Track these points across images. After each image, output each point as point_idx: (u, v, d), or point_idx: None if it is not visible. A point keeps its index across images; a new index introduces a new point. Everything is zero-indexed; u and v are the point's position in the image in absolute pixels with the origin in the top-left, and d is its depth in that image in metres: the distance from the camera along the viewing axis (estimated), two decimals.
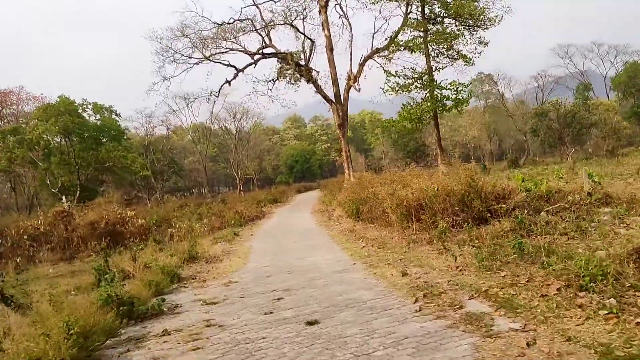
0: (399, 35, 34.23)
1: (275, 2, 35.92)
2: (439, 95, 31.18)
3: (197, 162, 72.57)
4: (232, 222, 22.91)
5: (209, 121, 67.96)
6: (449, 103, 31.35)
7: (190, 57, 34.79)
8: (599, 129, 55.63)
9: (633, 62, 72.30)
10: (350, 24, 37.77)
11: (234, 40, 35.38)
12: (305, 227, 19.73)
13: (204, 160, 67.45)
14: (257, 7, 35.76)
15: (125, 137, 59.04)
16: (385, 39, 34.07)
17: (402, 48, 32.31)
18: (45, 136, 42.16)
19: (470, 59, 31.93)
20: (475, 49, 31.59)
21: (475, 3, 30.39)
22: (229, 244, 17.06)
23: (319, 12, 36.64)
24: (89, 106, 51.44)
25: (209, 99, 36.13)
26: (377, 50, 36.26)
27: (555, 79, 70.11)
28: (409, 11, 33.97)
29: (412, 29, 32.08)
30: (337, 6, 38.01)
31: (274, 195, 48.59)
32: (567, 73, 71.95)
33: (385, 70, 32.65)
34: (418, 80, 31.45)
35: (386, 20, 37.05)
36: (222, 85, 35.97)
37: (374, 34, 37.13)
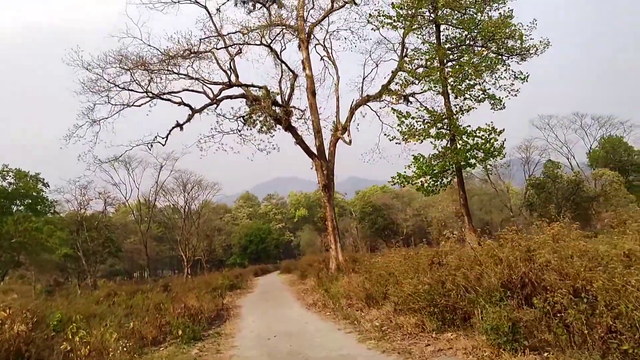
0: (393, 81, 26.89)
1: (243, 35, 27.92)
2: (465, 143, 23.28)
3: (138, 242, 61.91)
4: (178, 329, 12.93)
5: (153, 190, 57.85)
6: (479, 154, 23.42)
7: (130, 91, 25.87)
8: (600, 202, 49.69)
9: (609, 136, 68.78)
10: (335, 65, 30.27)
11: (187, 76, 26.87)
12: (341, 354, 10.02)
13: (145, 239, 56.89)
14: (222, 37, 27.71)
15: (52, 209, 49.50)
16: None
17: (415, 82, 24.57)
18: None
19: (501, 100, 24.44)
20: (512, 84, 24.12)
21: (513, 22, 23.34)
22: None
23: (299, 47, 29.00)
24: (10, 173, 42.97)
25: (151, 147, 26.59)
26: (369, 98, 28.64)
27: (540, 151, 64.83)
28: (404, 54, 26.77)
29: (424, 58, 24.63)
30: (319, 46, 30.66)
31: (230, 279, 38.42)
32: (547, 145, 67.04)
33: (394, 110, 24.62)
34: (438, 124, 23.51)
35: (377, 65, 29.81)
36: (170, 130, 26.83)
37: (363, 78, 29.80)
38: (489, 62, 23.54)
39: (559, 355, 6.08)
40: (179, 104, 26.55)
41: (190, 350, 11.39)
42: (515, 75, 24.14)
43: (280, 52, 28.81)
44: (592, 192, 49.08)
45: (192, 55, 26.02)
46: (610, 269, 5.89)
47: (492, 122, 23.17)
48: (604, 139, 68.10)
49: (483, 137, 23.25)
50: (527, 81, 24.15)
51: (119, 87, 25.86)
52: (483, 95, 24.43)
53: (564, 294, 6.31)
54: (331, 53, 30.29)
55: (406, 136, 23.77)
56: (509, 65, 24.20)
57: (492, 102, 24.65)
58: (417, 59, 25.50)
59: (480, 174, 63.12)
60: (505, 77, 24.17)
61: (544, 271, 7.82)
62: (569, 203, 47.89)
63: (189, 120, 26.59)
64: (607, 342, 5.55)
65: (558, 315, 6.46)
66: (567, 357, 5.96)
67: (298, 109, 28.70)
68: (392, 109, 24.97)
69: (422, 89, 25.56)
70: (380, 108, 28.32)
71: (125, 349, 11.33)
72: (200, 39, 26.58)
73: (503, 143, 23.69)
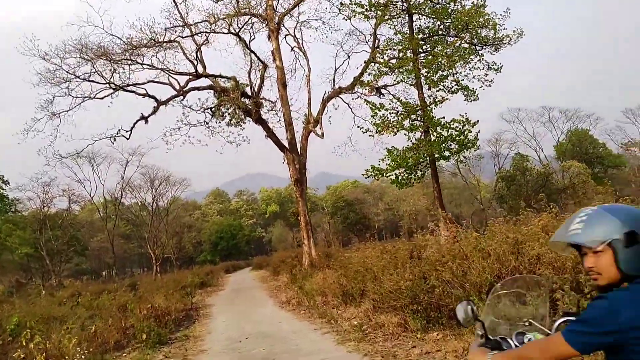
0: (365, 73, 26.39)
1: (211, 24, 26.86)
2: (439, 135, 22.86)
3: (105, 241, 60.10)
4: (143, 333, 12.03)
5: (119, 186, 56.12)
6: (453, 146, 23.04)
7: (92, 82, 24.66)
8: (568, 194, 50.27)
9: (575, 129, 69.93)
10: (306, 56, 29.55)
11: (152, 66, 25.76)
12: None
13: (112, 237, 55.25)
14: (188, 26, 26.65)
15: (12, 208, 47.87)
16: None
17: (388, 72, 24.05)
18: None
19: (474, 91, 24.11)
20: (486, 75, 23.80)
21: (486, 12, 22.98)
22: None
23: (269, 37, 28.14)
24: None
25: (114, 141, 25.40)
26: (341, 90, 28.07)
27: (510, 145, 65.41)
28: (377, 45, 26.31)
29: (397, 49, 24.15)
30: (289, 37, 29.86)
31: (200, 277, 37.39)
32: (516, 138, 67.73)
33: (367, 102, 24.02)
34: (411, 116, 23.02)
35: (348, 56, 29.24)
36: (135, 123, 25.70)
37: (335, 70, 29.21)
38: (462, 53, 23.18)
39: None
40: (144, 95, 25.47)
41: (155, 356, 10.58)
42: (488, 65, 23.85)
43: (250, 42, 27.98)
44: (560, 184, 49.58)
45: (157, 44, 24.96)
46: None
47: (465, 113, 22.83)
48: (571, 131, 69.16)
49: (457, 129, 22.88)
50: (500, 72, 23.90)
51: (80, 79, 24.66)
52: (456, 87, 24.07)
53: (566, 290, 5.77)
54: (302, 44, 29.57)
55: (380, 128, 23.21)
56: (483, 56, 23.91)
57: (466, 93, 24.31)
58: (390, 49, 25.01)
59: (450, 167, 63.37)
60: (478, 67, 23.87)
61: (536, 265, 7.31)
62: (539, 195, 48.27)
63: (154, 112, 25.54)
64: None
65: (560, 313, 5.94)
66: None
67: (268, 100, 27.93)
68: (366, 100, 24.41)
69: (395, 81, 25.12)
70: (352, 100, 27.78)
71: (83, 355, 10.45)
72: (165, 28, 25.53)
73: (477, 135, 23.38)
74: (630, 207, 2.08)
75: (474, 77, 23.96)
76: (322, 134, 27.62)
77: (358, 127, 25.85)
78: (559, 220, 9.17)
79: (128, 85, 25.65)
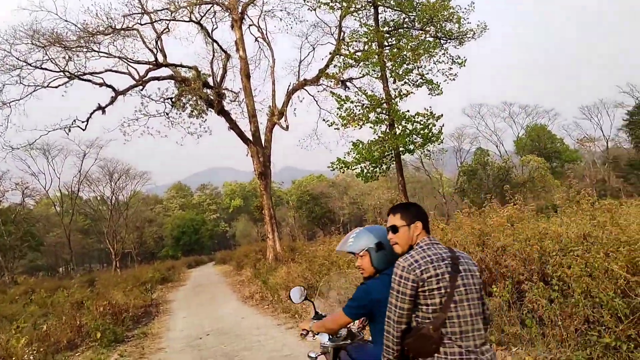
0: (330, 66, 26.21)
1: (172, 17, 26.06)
2: (404, 129, 22.79)
3: (62, 236, 58.21)
4: (97, 331, 11.46)
5: (76, 179, 54.37)
6: (418, 139, 23.00)
7: (45, 70, 23.60)
8: (527, 187, 51.31)
9: (534, 125, 71.63)
10: (271, 47, 29.09)
11: (109, 54, 24.84)
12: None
13: (69, 232, 53.54)
14: (147, 13, 25.81)
15: None
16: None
17: (354, 65, 23.86)
18: None
19: (438, 85, 24.13)
20: (450, 69, 23.84)
21: (451, 5, 22.96)
22: None
23: (232, 27, 27.56)
24: None
25: (69, 132, 24.35)
26: (306, 82, 27.80)
27: (471, 139, 66.42)
28: (342, 37, 26.15)
29: (363, 42, 23.98)
30: (253, 27, 29.33)
31: (162, 272, 36.59)
32: (478, 133, 68.87)
33: (333, 94, 23.78)
34: (377, 109, 22.88)
35: (314, 48, 29.00)
36: (91, 113, 24.73)
37: (300, 62, 28.95)
38: (427, 46, 23.06)
39: (530, 349, 5.43)
40: (101, 85, 24.52)
41: (110, 356, 10.11)
42: (453, 59, 23.88)
43: (212, 31, 27.29)
44: (520, 178, 50.57)
45: (114, 32, 24.02)
46: (590, 254, 5.26)
47: (430, 107, 22.82)
48: (530, 127, 70.77)
49: (422, 123, 22.84)
50: (464, 65, 23.96)
51: (32, 66, 23.56)
52: (421, 80, 24.02)
53: (535, 281, 5.66)
54: (266, 34, 29.08)
55: (345, 121, 22.98)
56: (447, 50, 23.93)
57: (430, 87, 24.27)
58: (356, 42, 24.81)
59: (414, 161, 63.94)
60: (443, 61, 23.86)
61: (501, 256, 7.21)
62: (499, 189, 49.10)
63: (112, 102, 24.62)
64: (585, 334, 4.93)
65: (528, 305, 5.81)
66: (540, 352, 5.31)
67: (231, 91, 27.37)
68: (331, 92, 24.16)
69: (360, 73, 24.91)
70: (318, 92, 27.53)
71: (32, 356, 9.90)
72: (123, 15, 24.60)
73: (441, 128, 23.34)
74: (380, 227, 3.19)
75: (438, 70, 23.99)
76: (287, 127, 27.26)
77: (324, 120, 25.70)
78: (521, 212, 9.15)
79: (84, 74, 24.64)
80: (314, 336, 3.68)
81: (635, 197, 40.18)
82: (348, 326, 3.42)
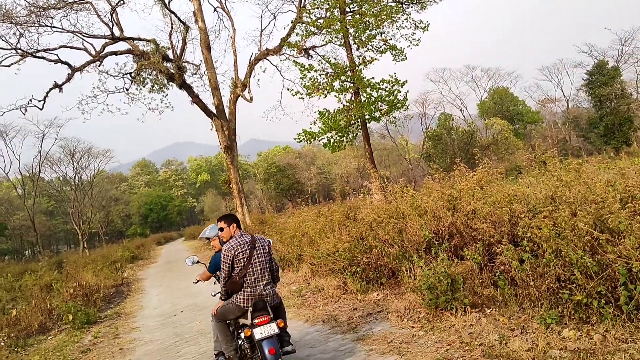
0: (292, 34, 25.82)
1: None
2: (369, 96, 22.74)
3: (26, 219, 56.63)
4: (68, 314, 11.26)
5: (36, 160, 52.68)
6: (383, 107, 23.02)
7: None
8: (491, 150, 52.19)
9: (497, 88, 72.39)
10: (230, 17, 28.41)
11: (63, 29, 23.84)
12: None
13: (33, 214, 52.10)
14: None
15: None
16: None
17: (316, 32, 23.55)
18: None
19: (402, 51, 24.10)
20: (413, 34, 23.77)
21: None
22: None
23: None
24: None
25: (25, 112, 23.46)
26: (268, 51, 27.34)
27: (436, 105, 66.84)
28: (303, 3, 25.70)
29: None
30: None
31: (131, 250, 36.15)
32: (442, 98, 69.32)
33: (296, 63, 23.50)
34: (341, 77, 22.73)
35: (275, 17, 28.49)
36: (48, 92, 23.86)
37: (261, 31, 28.43)
38: (389, 11, 22.90)
39: (504, 310, 5.54)
40: (56, 62, 23.60)
41: (83, 337, 9.95)
42: (415, 24, 23.79)
43: (169, 2, 26.47)
44: (484, 141, 51.30)
45: (66, 5, 23.04)
46: (558, 214, 5.35)
47: (395, 73, 22.77)
48: (493, 90, 71.50)
49: (387, 89, 22.84)
50: (427, 30, 23.90)
51: None
52: (385, 46, 23.92)
53: (505, 244, 5.75)
54: (225, 4, 28.39)
55: (310, 90, 22.81)
56: (410, 15, 23.80)
57: (394, 53, 24.24)
58: (317, 9, 24.42)
59: (379, 129, 64.14)
60: (406, 26, 23.76)
61: (472, 219, 7.30)
62: (464, 153, 49.78)
63: (68, 80, 23.77)
64: (556, 293, 5.04)
65: (500, 267, 5.92)
66: (513, 312, 5.43)
67: (192, 64, 26.74)
68: (295, 61, 23.88)
69: (323, 41, 24.68)
70: (281, 62, 27.13)
71: (3, 342, 9.69)
72: None
73: (406, 94, 23.40)
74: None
75: (401, 36, 23.91)
76: (251, 98, 26.86)
77: (288, 89, 25.44)
78: (490, 175, 9.22)
79: (37, 50, 23.66)
80: (197, 282, 6.64)
81: (595, 155, 41.43)
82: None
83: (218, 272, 5.80)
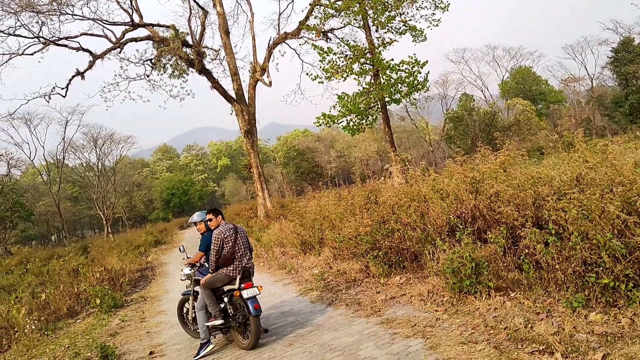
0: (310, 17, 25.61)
1: None
2: (389, 78, 22.50)
3: (52, 204, 57.81)
4: (96, 298, 11.53)
5: (60, 147, 53.54)
6: (403, 88, 22.78)
7: (18, 37, 22.81)
8: (513, 131, 51.45)
9: (519, 67, 71.06)
10: (249, 1, 28.27)
11: (83, 17, 24.00)
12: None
13: (58, 200, 53.09)
14: None
15: None
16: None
17: (335, 14, 23.35)
18: None
19: (422, 32, 23.75)
20: (433, 14, 23.42)
21: None
22: None
23: None
24: None
25: (49, 99, 23.83)
26: (287, 35, 27.20)
27: (456, 85, 65.97)
28: None
29: None
30: None
31: (154, 235, 36.72)
32: (462, 78, 68.38)
33: (315, 46, 23.32)
34: (360, 59, 22.52)
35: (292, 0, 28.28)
36: (70, 79, 24.15)
37: (279, 14, 28.27)
38: None
39: (529, 294, 5.50)
40: (77, 49, 23.81)
41: (111, 321, 10.18)
42: (435, 4, 23.39)
43: None
44: (506, 121, 50.56)
45: None
46: (584, 196, 5.28)
47: (415, 54, 22.47)
48: (515, 69, 70.24)
49: (407, 71, 22.56)
50: (447, 10, 23.50)
51: (5, 33, 22.76)
52: (404, 27, 23.59)
53: (529, 227, 5.69)
54: None
55: (329, 74, 22.65)
56: None
57: (414, 34, 23.88)
58: None
59: (399, 111, 63.60)
60: (425, 6, 23.37)
61: (495, 202, 7.23)
62: (485, 134, 49.15)
63: (90, 67, 24.00)
64: (583, 276, 4.99)
65: (524, 250, 5.87)
66: (538, 296, 5.39)
67: (211, 49, 26.69)
68: (313, 45, 23.67)
69: (342, 23, 24.46)
70: (299, 45, 27.02)
71: (34, 325, 9.95)
72: None
73: (427, 76, 23.10)
74: (204, 211, 7.50)
75: (421, 16, 23.54)
76: (270, 83, 26.81)
77: (307, 74, 25.29)
78: (513, 157, 9.08)
79: (59, 38, 23.88)
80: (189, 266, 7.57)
81: (621, 135, 40.54)
82: (202, 261, 7.51)
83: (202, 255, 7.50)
